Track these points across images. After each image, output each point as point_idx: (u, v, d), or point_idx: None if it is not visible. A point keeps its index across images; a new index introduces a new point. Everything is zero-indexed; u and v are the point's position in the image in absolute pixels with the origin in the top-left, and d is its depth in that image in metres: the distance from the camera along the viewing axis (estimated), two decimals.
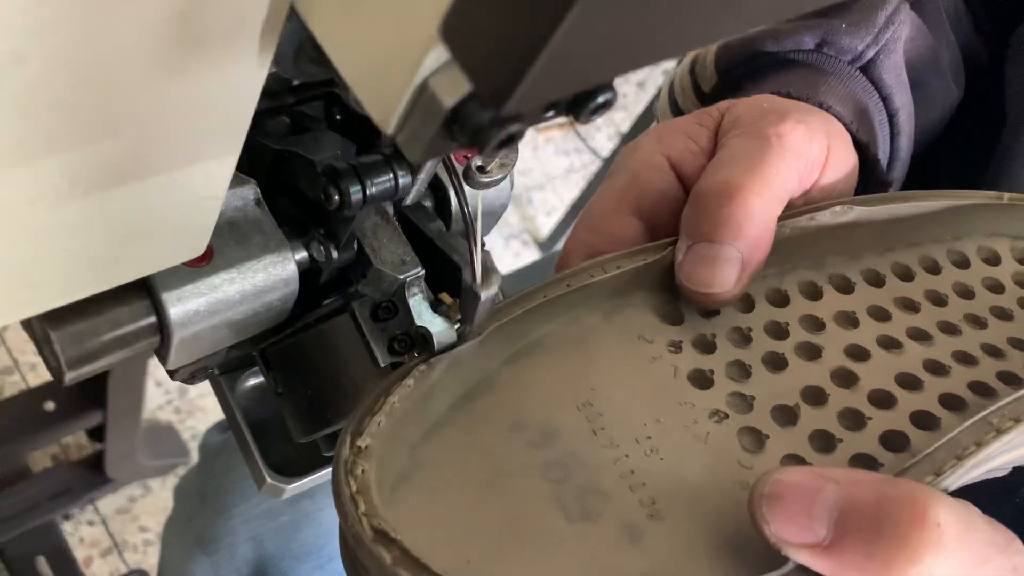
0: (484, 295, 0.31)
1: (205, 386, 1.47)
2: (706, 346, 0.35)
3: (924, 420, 0.34)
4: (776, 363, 0.35)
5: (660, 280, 0.36)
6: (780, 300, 0.37)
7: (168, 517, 0.76)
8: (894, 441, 0.33)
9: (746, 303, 0.37)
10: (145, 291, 0.30)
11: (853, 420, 0.34)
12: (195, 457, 1.38)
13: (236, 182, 0.33)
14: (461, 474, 0.30)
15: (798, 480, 0.28)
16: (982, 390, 0.35)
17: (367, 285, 0.33)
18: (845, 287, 0.38)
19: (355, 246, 0.33)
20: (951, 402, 0.35)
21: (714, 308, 0.36)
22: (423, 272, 0.33)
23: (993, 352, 0.37)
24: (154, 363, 1.44)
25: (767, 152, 0.37)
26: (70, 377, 0.30)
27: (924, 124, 0.49)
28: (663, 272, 0.36)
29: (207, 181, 0.24)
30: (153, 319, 0.30)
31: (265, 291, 0.32)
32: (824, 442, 0.33)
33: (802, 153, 0.38)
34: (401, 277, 0.32)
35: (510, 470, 0.30)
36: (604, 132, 2.09)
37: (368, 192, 0.30)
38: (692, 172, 0.39)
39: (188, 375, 0.36)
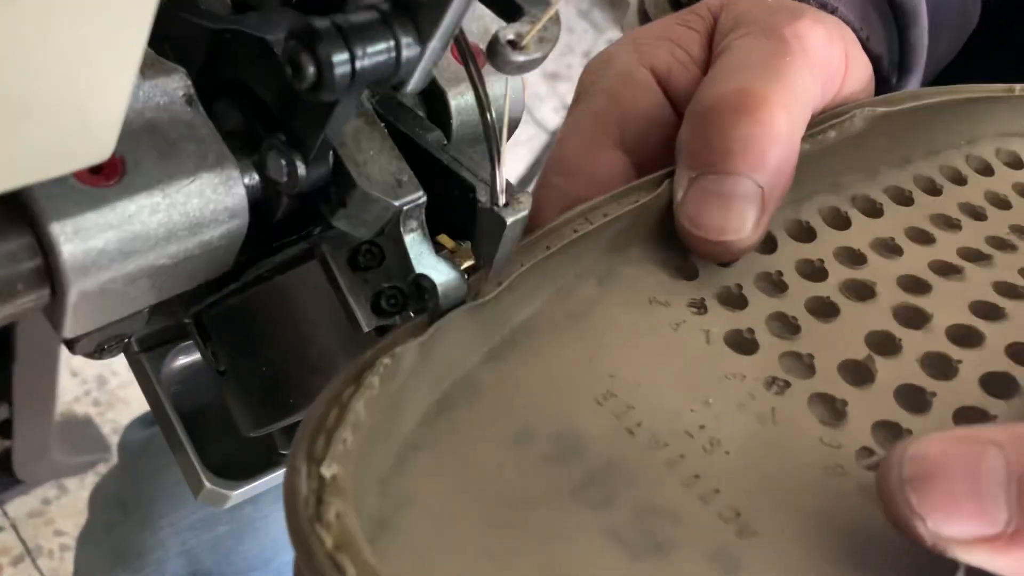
0: (511, 219, 0.23)
1: (127, 375, 1.38)
2: (735, 300, 0.29)
3: None
4: (825, 310, 0.29)
5: (661, 224, 0.29)
6: (805, 234, 0.32)
7: (82, 528, 0.67)
8: (999, 385, 0.28)
9: (767, 243, 0.31)
10: (24, 221, 0.22)
11: (940, 367, 0.28)
12: (116, 455, 1.28)
13: (157, 70, 0.24)
14: (465, 513, 0.22)
15: (949, 449, 0.21)
16: None
17: (346, 217, 0.25)
18: (872, 210, 0.33)
19: (329, 160, 0.24)
20: None
21: (727, 260, 0.29)
22: (425, 198, 0.24)
23: None
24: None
25: (787, 55, 0.29)
26: None
27: (934, 50, 0.42)
28: (663, 213, 0.29)
29: (115, 22, 0.14)
30: (38, 262, 0.22)
31: (201, 224, 0.24)
32: (915, 399, 0.27)
33: (824, 59, 0.31)
34: (397, 203, 0.24)
35: (531, 499, 0.23)
36: (549, 104, 2.03)
37: (358, 64, 0.21)
38: (685, 88, 0.32)
39: (94, 347, 0.27)
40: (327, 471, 0.20)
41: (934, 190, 0.35)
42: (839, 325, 0.29)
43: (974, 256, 0.33)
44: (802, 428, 0.26)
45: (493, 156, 0.23)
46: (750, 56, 0.30)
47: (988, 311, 0.30)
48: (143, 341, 0.33)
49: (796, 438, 0.26)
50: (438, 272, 0.24)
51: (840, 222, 0.33)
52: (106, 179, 0.22)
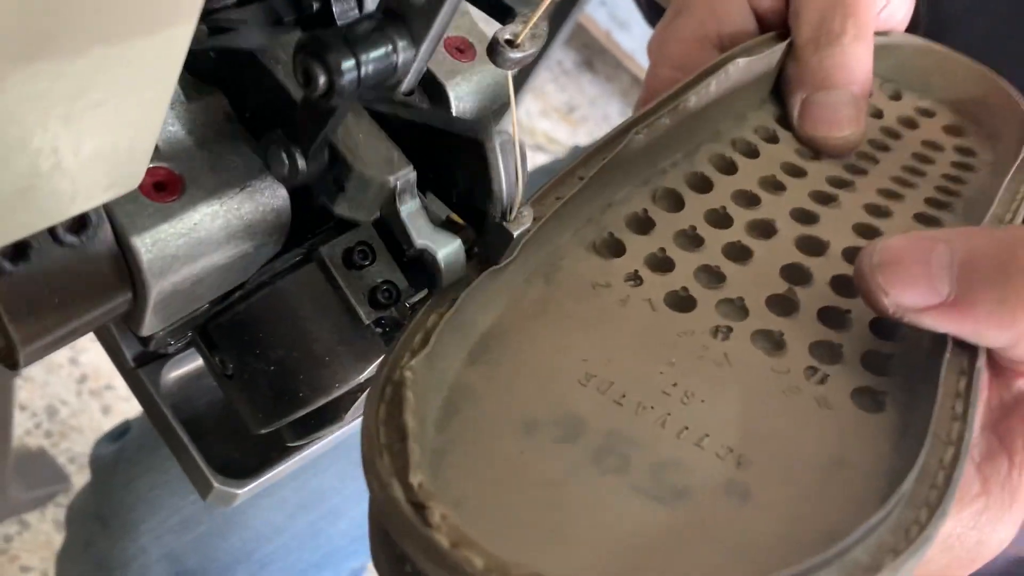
0: (517, 231, 0.27)
1: (78, 404, 1.38)
2: (663, 264, 0.33)
3: None
4: (739, 253, 0.34)
5: (579, 213, 0.33)
6: (703, 184, 0.36)
7: (60, 548, 0.69)
8: None
9: (674, 200, 0.35)
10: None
11: (847, 287, 0.33)
12: (75, 482, 1.29)
13: (199, 93, 0.28)
14: (508, 503, 0.25)
15: (907, 243, 0.28)
16: (937, 204, 0.37)
17: (346, 200, 0.27)
18: (750, 151, 0.38)
19: (325, 151, 0.27)
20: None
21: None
22: (415, 174, 0.27)
23: (911, 174, 0.39)
24: (15, 385, 1.33)
25: None
26: (25, 356, 0.25)
27: None
28: (580, 205, 0.33)
29: (159, 62, 0.18)
30: (122, 271, 0.26)
31: (254, 225, 0.27)
32: (836, 318, 0.32)
33: None
34: (392, 179, 0.26)
35: (559, 477, 0.26)
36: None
37: (363, 69, 0.23)
38: (768, 7, 0.39)
39: (163, 341, 0.31)
40: (414, 479, 0.23)
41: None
42: (755, 265, 0.33)
43: (840, 183, 0.38)
44: (754, 363, 0.30)
45: (517, 170, 0.26)
46: None
47: (866, 231, 0.35)
48: (138, 357, 0.35)
49: (752, 373, 0.29)
50: (437, 243, 0.27)
51: (728, 167, 0.37)
52: (171, 195, 0.26)
